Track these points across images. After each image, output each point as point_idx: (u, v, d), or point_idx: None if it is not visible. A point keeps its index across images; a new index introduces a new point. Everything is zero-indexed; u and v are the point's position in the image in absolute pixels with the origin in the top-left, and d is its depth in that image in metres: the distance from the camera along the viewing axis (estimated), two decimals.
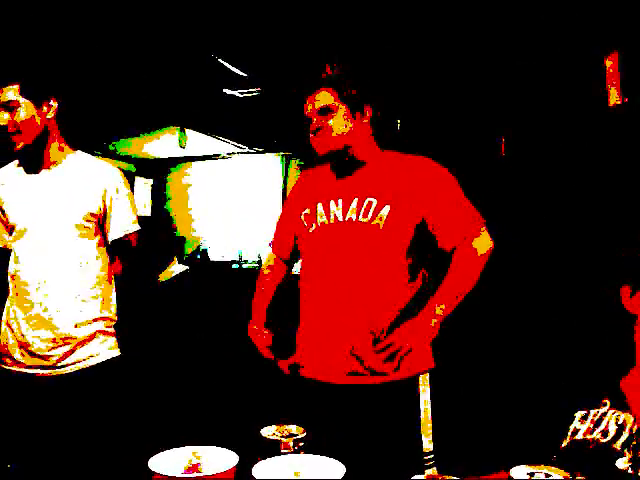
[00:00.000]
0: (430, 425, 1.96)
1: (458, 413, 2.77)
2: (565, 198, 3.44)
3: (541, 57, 3.55)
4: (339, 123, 1.97)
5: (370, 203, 1.94)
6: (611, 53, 3.30)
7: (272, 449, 1.06)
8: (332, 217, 1.99)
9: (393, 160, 2.02)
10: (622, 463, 0.88)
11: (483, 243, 1.93)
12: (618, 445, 1.22)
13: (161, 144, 5.46)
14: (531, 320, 3.31)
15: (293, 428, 1.12)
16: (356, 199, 1.96)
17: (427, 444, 1.95)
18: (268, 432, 1.11)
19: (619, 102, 3.23)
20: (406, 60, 3.85)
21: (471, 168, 3.70)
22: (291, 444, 1.07)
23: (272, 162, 5.85)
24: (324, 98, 1.97)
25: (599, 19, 3.26)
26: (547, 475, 0.84)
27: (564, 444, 1.33)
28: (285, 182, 5.78)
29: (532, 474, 0.85)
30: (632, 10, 3.09)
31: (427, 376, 1.98)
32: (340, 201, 1.99)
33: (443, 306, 1.85)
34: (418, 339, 1.82)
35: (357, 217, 1.94)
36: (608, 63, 3.31)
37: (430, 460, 1.95)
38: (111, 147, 5.49)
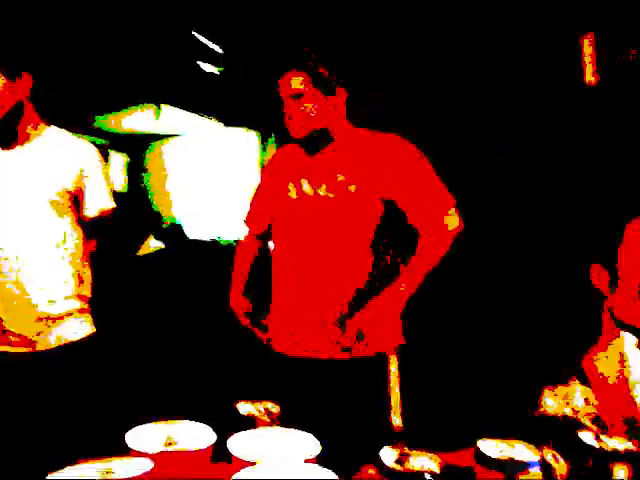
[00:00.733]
0: (399, 401, 2.01)
1: (428, 389, 2.82)
2: (540, 176, 3.49)
3: (519, 38, 3.58)
4: (312, 108, 2.01)
5: (338, 179, 1.98)
6: (587, 33, 3.34)
7: (248, 424, 1.08)
8: (302, 193, 2.02)
9: (364, 137, 2.05)
10: (585, 436, 0.92)
11: (451, 222, 1.97)
12: (585, 419, 1.27)
13: (137, 119, 5.41)
14: (504, 298, 3.36)
15: (269, 404, 1.15)
16: (325, 175, 2.00)
17: (396, 420, 2.00)
18: (244, 408, 1.13)
19: (594, 80, 3.30)
20: (379, 40, 3.86)
21: (450, 147, 3.74)
22: (267, 419, 1.10)
23: (249, 138, 5.83)
24: (297, 83, 2.00)
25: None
26: (513, 448, 0.87)
27: (533, 418, 1.38)
28: (262, 158, 5.76)
29: (499, 447, 0.87)
30: None
31: (396, 352, 2.03)
32: (310, 177, 2.03)
33: (408, 283, 1.90)
34: (385, 315, 1.86)
35: (325, 193, 1.97)
36: (584, 43, 3.36)
37: (400, 435, 2.00)
38: (87, 122, 5.43)
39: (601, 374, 1.13)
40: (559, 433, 1.23)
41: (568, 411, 1.31)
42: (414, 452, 0.83)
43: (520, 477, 0.83)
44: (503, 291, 3.39)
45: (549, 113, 3.48)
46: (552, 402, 1.37)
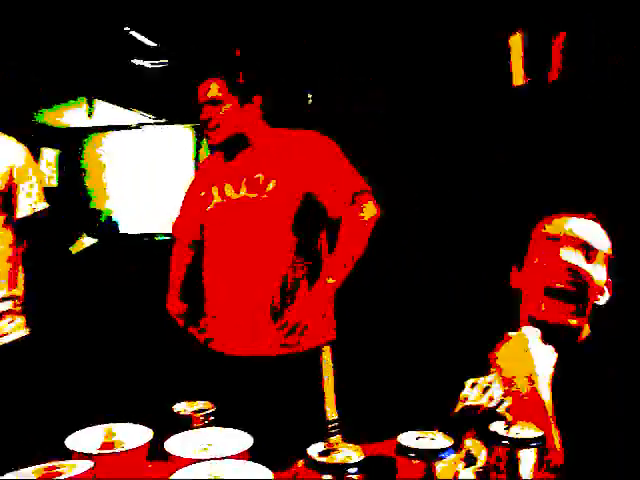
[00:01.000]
0: (333, 394, 2.08)
1: (361, 382, 2.90)
2: (468, 174, 3.58)
3: (445, 37, 3.66)
4: (229, 114, 2.07)
5: (257, 179, 2.05)
6: (515, 32, 3.31)
7: (184, 424, 1.13)
8: (226, 196, 2.08)
9: (281, 136, 2.13)
10: (496, 425, 1.00)
11: (368, 211, 2.03)
12: (502, 409, 1.36)
13: (70, 114, 5.32)
14: (427, 293, 3.44)
15: (204, 403, 1.19)
16: (245, 177, 2.07)
17: (331, 412, 2.07)
18: (179, 408, 1.17)
19: (523, 82, 3.27)
20: (316, 34, 3.90)
21: (379, 143, 3.81)
22: (202, 418, 1.14)
23: (184, 133, 5.80)
24: (214, 89, 2.05)
25: None
26: (432, 439, 0.95)
27: (456, 410, 1.46)
28: (197, 153, 5.74)
29: (418, 438, 0.95)
30: None
31: (329, 347, 2.10)
32: (232, 181, 2.09)
33: (333, 277, 1.95)
34: (315, 311, 1.92)
35: (246, 194, 2.04)
36: (512, 42, 3.33)
37: (335, 428, 2.07)
38: (20, 118, 5.30)
39: (504, 368, 1.17)
40: (479, 422, 1.33)
41: (485, 401, 1.39)
42: (339, 444, 0.90)
43: (436, 464, 0.91)
44: (431, 284, 3.48)
45: (479, 117, 3.55)
46: (472, 392, 1.45)
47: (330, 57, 3.92)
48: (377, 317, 3.42)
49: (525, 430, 0.98)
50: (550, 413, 1.10)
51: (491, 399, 1.39)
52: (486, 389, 1.43)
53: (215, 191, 2.12)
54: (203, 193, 2.16)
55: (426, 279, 3.51)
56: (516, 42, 3.33)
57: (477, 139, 3.52)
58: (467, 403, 1.44)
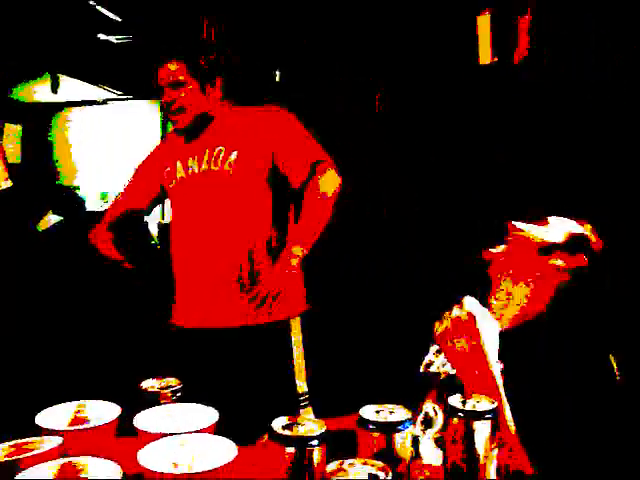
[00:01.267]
0: (303, 366, 2.12)
1: (332, 354, 2.95)
2: (437, 154, 3.62)
3: (414, 15, 3.67)
4: (190, 97, 2.07)
5: (219, 151, 2.07)
6: (483, 11, 3.31)
7: (152, 400, 1.15)
8: (189, 171, 2.10)
9: (242, 113, 2.16)
10: (452, 398, 1.04)
11: (330, 180, 2.05)
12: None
13: (35, 90, 5.23)
14: (398, 267, 3.50)
15: (171, 380, 1.22)
16: (207, 150, 2.09)
17: (301, 385, 2.11)
18: (147, 384, 1.20)
19: (490, 61, 3.28)
20: (285, 12, 3.88)
21: (348, 121, 3.83)
22: (169, 395, 1.17)
23: (151, 109, 5.74)
24: (174, 71, 2.05)
25: None
26: (391, 412, 0.99)
27: (418, 373, 1.51)
28: (164, 128, 5.70)
29: (378, 411, 0.99)
30: None
31: (299, 318, 2.14)
32: (196, 156, 2.10)
33: (299, 247, 1.96)
34: (282, 282, 1.93)
35: (209, 167, 2.06)
36: (480, 21, 3.33)
37: (305, 400, 2.11)
38: None
39: (450, 346, 1.18)
40: (441, 388, 1.38)
41: (448, 368, 1.42)
42: (302, 418, 0.93)
43: (395, 436, 0.95)
44: (399, 266, 3.52)
45: (447, 95, 3.57)
46: (437, 360, 1.50)
47: (298, 35, 3.91)
48: (347, 287, 3.46)
49: (481, 403, 1.02)
50: (501, 389, 1.13)
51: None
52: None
53: (179, 164, 2.13)
54: (168, 168, 2.17)
55: (394, 260, 3.56)
56: (483, 22, 3.37)
57: (449, 113, 3.55)
58: (430, 369, 1.49)
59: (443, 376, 1.44)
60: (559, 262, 1.36)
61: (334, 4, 3.69)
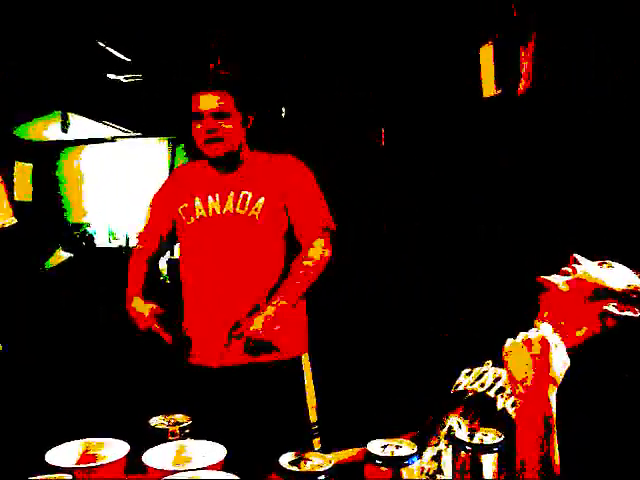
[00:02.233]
0: (314, 399, 2.12)
1: (340, 390, 2.94)
2: (442, 187, 3.65)
3: (417, 49, 3.72)
4: (235, 129, 2.08)
5: (245, 196, 2.08)
6: (485, 44, 3.36)
7: (160, 437, 1.16)
8: (210, 210, 2.10)
9: (263, 159, 2.19)
10: (459, 433, 1.04)
11: (326, 246, 2.11)
12: (492, 393, 1.41)
13: (45, 128, 5.29)
14: (425, 296, 3.49)
15: (179, 416, 1.22)
16: (232, 192, 2.10)
17: (311, 416, 2.11)
18: (156, 421, 1.20)
19: (493, 93, 3.31)
20: (289, 51, 3.95)
21: (352, 157, 3.87)
22: (177, 431, 1.17)
23: (159, 147, 5.81)
24: (222, 101, 2.04)
25: (472, 9, 3.40)
26: (398, 447, 0.99)
27: (450, 394, 1.52)
28: (172, 167, 5.75)
29: (385, 446, 0.99)
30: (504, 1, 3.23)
31: (307, 357, 2.14)
32: (217, 195, 2.11)
33: (284, 301, 1.99)
34: (268, 328, 1.95)
35: (234, 209, 2.06)
36: (482, 54, 3.37)
37: (314, 431, 2.11)
38: None
39: (515, 368, 1.14)
40: (468, 403, 1.38)
41: (476, 386, 1.46)
42: (309, 453, 0.94)
43: (402, 470, 0.95)
44: (422, 279, 3.52)
45: (451, 128, 3.61)
46: (464, 380, 1.53)
47: (304, 72, 3.98)
48: (368, 318, 3.46)
49: (488, 435, 1.02)
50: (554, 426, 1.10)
51: (482, 385, 1.45)
52: (480, 377, 1.49)
53: (198, 202, 2.13)
54: (185, 204, 2.16)
55: (405, 287, 3.56)
56: (486, 53, 3.39)
57: (453, 147, 3.58)
58: (459, 388, 1.51)
59: (471, 394, 1.45)
60: (612, 309, 1.37)
61: (339, 41, 3.76)
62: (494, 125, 3.39)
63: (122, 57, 4.24)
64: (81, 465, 1.04)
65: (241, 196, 2.08)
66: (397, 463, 0.95)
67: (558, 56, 2.97)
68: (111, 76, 4.55)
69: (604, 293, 1.39)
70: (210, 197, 2.12)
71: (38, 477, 0.95)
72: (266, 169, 2.15)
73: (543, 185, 3.06)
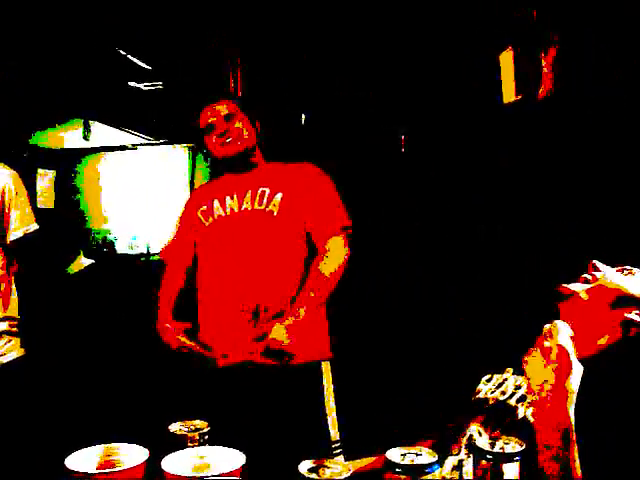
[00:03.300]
0: (334, 411, 2.10)
1: (364, 396, 2.92)
2: (463, 193, 3.63)
3: (437, 54, 3.71)
4: (243, 127, 2.15)
5: (263, 192, 2.10)
6: (505, 49, 3.34)
7: (179, 443, 1.16)
8: (228, 209, 2.12)
9: (279, 165, 2.23)
10: (480, 441, 1.03)
11: (345, 246, 2.10)
12: (513, 401, 1.40)
13: (66, 136, 5.35)
14: (442, 304, 3.48)
15: (199, 422, 1.22)
16: (250, 191, 2.12)
17: (334, 432, 2.08)
18: (175, 427, 1.20)
19: (514, 99, 3.30)
20: (310, 55, 3.96)
21: (372, 163, 3.87)
22: (197, 437, 1.17)
23: (179, 154, 5.84)
24: (227, 107, 2.14)
25: (492, 15, 3.39)
26: (417, 454, 0.98)
27: (470, 401, 1.51)
28: (192, 174, 5.78)
29: (405, 454, 0.98)
30: (524, 5, 3.22)
31: (328, 364, 2.13)
32: (235, 195, 2.13)
33: (305, 309, 1.98)
34: (290, 334, 1.95)
35: (252, 206, 2.08)
36: (503, 59, 3.35)
37: (337, 448, 2.07)
38: (16, 139, 5.34)
39: (534, 377, 1.14)
40: (489, 412, 1.37)
41: (497, 394, 1.45)
42: (328, 461, 0.93)
43: (422, 478, 0.94)
44: (442, 286, 3.50)
45: (471, 134, 3.59)
46: (486, 386, 1.52)
47: (325, 78, 3.99)
48: (385, 314, 3.44)
49: (509, 444, 1.01)
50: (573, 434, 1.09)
51: (503, 393, 1.44)
52: (500, 385, 1.48)
53: (217, 203, 2.15)
54: (204, 207, 2.18)
55: (425, 294, 3.55)
56: (506, 59, 3.38)
57: (474, 153, 3.56)
58: (479, 395, 1.50)
59: (492, 402, 1.44)
60: (634, 316, 1.35)
61: (360, 47, 3.76)
62: (514, 130, 3.37)
63: (143, 65, 4.28)
64: (100, 470, 1.04)
65: (259, 192, 2.10)
66: (417, 472, 0.94)
67: (578, 60, 2.95)
68: (132, 84, 4.59)
69: (626, 300, 1.36)
70: (228, 197, 2.15)
71: None
72: (283, 171, 2.19)
73: (560, 188, 3.03)
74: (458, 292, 3.42)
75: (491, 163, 3.50)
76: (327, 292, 2.03)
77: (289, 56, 3.96)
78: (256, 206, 2.08)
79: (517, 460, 0.99)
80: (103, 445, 1.11)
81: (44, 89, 4.23)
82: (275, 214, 2.06)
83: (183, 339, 2.07)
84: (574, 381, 1.11)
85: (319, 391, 2.09)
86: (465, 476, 1.31)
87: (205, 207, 2.18)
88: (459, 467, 1.34)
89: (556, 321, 1.19)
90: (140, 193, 5.89)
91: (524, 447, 1.00)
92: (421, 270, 3.63)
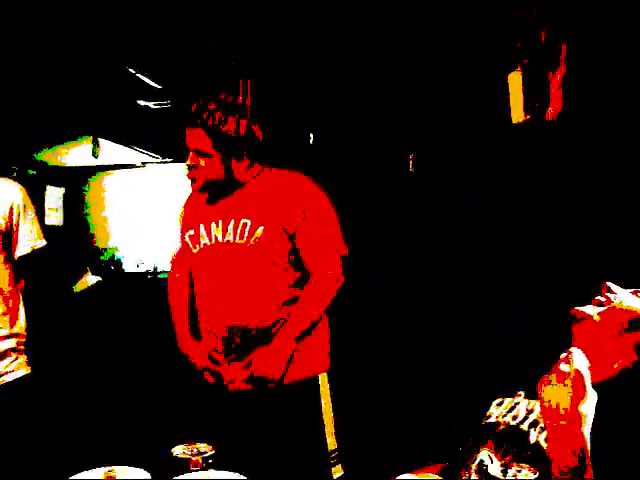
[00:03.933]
0: (333, 423, 2.09)
1: (370, 410, 2.89)
2: (471, 212, 3.61)
3: (446, 74, 3.71)
4: (211, 167, 2.04)
5: (245, 224, 2.04)
6: (514, 69, 3.33)
7: (182, 467, 1.13)
8: (213, 239, 2.09)
9: (271, 179, 2.13)
10: (492, 468, 1.00)
11: (338, 275, 2.08)
12: (525, 426, 1.37)
13: (74, 153, 5.37)
14: (453, 323, 3.45)
15: (202, 445, 1.20)
16: (232, 221, 2.07)
17: (331, 442, 2.07)
18: (178, 451, 1.18)
19: (522, 119, 3.27)
20: (319, 73, 3.97)
21: (380, 183, 3.86)
22: (200, 461, 1.15)
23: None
24: (198, 140, 2.02)
25: (500, 35, 3.40)
26: None
27: (481, 425, 1.48)
28: None
29: None
30: (532, 26, 3.21)
31: (325, 375, 2.11)
32: (220, 222, 2.09)
33: (291, 335, 2.01)
34: (279, 357, 1.98)
35: (234, 239, 2.04)
36: (511, 80, 3.34)
37: (335, 458, 2.07)
38: (24, 156, 5.37)
39: (549, 401, 1.10)
40: (499, 437, 1.34)
41: (508, 419, 1.42)
42: None
43: None
44: (448, 303, 3.48)
45: (480, 154, 3.58)
46: (496, 410, 1.48)
47: (332, 97, 3.99)
48: (393, 340, 3.42)
49: (522, 472, 0.98)
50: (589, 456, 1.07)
51: (515, 417, 1.41)
52: (511, 409, 1.45)
53: (202, 229, 2.12)
54: (191, 231, 2.16)
55: (427, 297, 3.52)
56: (515, 79, 3.38)
57: (481, 172, 3.55)
58: (489, 420, 1.46)
59: (503, 427, 1.41)
60: None
61: (370, 64, 3.76)
62: (523, 150, 3.36)
63: (152, 83, 4.30)
64: None
65: (240, 224, 2.04)
66: None
67: (587, 79, 2.94)
68: (141, 102, 4.62)
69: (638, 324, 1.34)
70: (213, 224, 2.10)
71: None
72: (272, 191, 2.10)
73: (570, 206, 3.01)
74: (458, 293, 3.40)
75: (498, 182, 3.48)
76: (316, 318, 2.06)
77: (298, 72, 3.97)
78: (237, 240, 2.04)
79: None
80: (105, 468, 1.09)
81: (53, 106, 4.25)
82: (256, 248, 2.03)
83: (207, 362, 2.10)
84: (589, 406, 1.08)
85: (317, 403, 2.08)
86: None
87: (192, 232, 2.15)
88: None
89: (572, 348, 1.17)
90: (148, 211, 5.90)
91: (537, 475, 0.98)
92: (429, 288, 3.61)
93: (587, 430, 1.08)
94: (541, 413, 1.18)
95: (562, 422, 1.08)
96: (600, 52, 2.88)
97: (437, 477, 0.95)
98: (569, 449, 1.06)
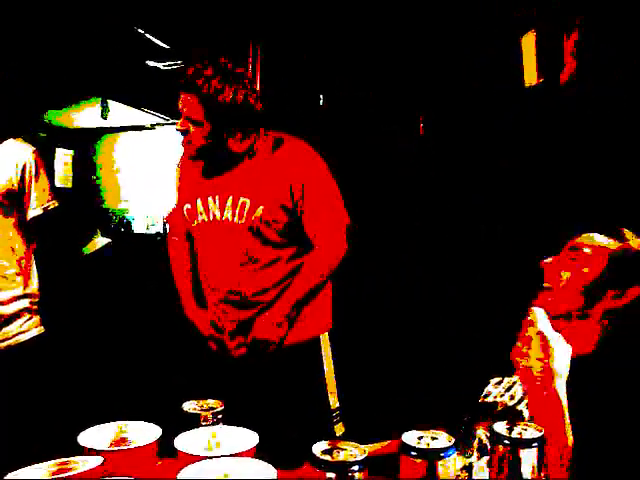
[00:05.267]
0: (334, 383, 2.11)
1: (368, 371, 2.92)
2: (481, 178, 3.58)
3: (458, 37, 3.66)
4: (202, 136, 1.95)
5: (244, 204, 1.99)
6: (528, 32, 3.26)
7: (193, 422, 1.15)
8: (211, 215, 2.05)
9: (269, 152, 2.05)
10: (498, 425, 1.01)
11: (342, 243, 2.06)
12: (521, 406, 1.38)
13: (84, 115, 5.36)
14: (449, 293, 3.45)
15: (212, 402, 1.21)
16: (231, 198, 2.01)
17: (333, 401, 2.10)
18: (189, 406, 1.20)
19: (535, 82, 3.21)
20: (328, 36, 3.92)
21: (390, 145, 3.83)
22: (210, 417, 1.17)
23: None
24: (191, 107, 1.92)
25: None
26: (433, 438, 0.96)
27: (477, 404, 1.49)
28: None
29: (421, 437, 0.96)
30: None
31: (327, 336, 2.13)
32: (217, 198, 2.04)
33: (291, 301, 2.02)
34: (277, 322, 1.99)
35: (232, 218, 2.01)
36: (525, 42, 3.27)
37: (337, 417, 2.10)
38: (34, 117, 5.36)
39: (523, 367, 1.15)
40: (497, 418, 1.35)
41: (506, 399, 1.43)
42: (342, 443, 0.92)
43: (438, 463, 0.92)
44: (430, 295, 3.49)
45: (491, 117, 3.54)
46: (495, 389, 1.49)
47: (343, 60, 3.95)
48: (390, 312, 3.44)
49: (527, 430, 0.99)
50: (565, 411, 1.11)
51: (512, 397, 1.42)
52: (509, 388, 1.46)
53: (200, 204, 2.08)
54: (188, 205, 2.10)
55: (425, 291, 3.52)
56: (528, 42, 3.32)
57: (482, 144, 3.52)
58: (488, 399, 1.47)
59: (500, 407, 1.42)
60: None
61: (378, 28, 3.71)
62: (535, 114, 3.32)
63: (161, 44, 4.25)
64: (113, 448, 1.04)
65: (239, 203, 2.00)
66: (433, 456, 0.92)
67: (603, 54, 2.89)
68: (150, 63, 4.57)
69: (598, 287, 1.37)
70: (210, 199, 2.05)
71: (68, 459, 0.94)
72: (270, 168, 2.02)
73: (576, 177, 2.98)
74: (458, 292, 3.40)
75: (509, 148, 3.45)
76: (315, 283, 2.05)
77: (307, 40, 3.92)
78: (236, 220, 2.00)
79: (535, 446, 0.97)
80: (116, 423, 1.10)
81: (62, 68, 4.22)
82: (255, 227, 2.00)
83: (212, 330, 2.11)
84: (560, 362, 1.12)
85: (318, 363, 2.10)
86: (474, 476, 1.29)
87: (189, 206, 2.10)
88: (469, 469, 1.32)
89: (533, 307, 1.19)
90: (157, 172, 5.90)
91: (542, 433, 0.98)
92: (433, 259, 3.61)
93: (562, 387, 1.11)
94: (520, 381, 1.21)
95: (537, 383, 1.11)
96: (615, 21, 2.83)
97: (443, 433, 0.96)
98: (545, 407, 1.09)
